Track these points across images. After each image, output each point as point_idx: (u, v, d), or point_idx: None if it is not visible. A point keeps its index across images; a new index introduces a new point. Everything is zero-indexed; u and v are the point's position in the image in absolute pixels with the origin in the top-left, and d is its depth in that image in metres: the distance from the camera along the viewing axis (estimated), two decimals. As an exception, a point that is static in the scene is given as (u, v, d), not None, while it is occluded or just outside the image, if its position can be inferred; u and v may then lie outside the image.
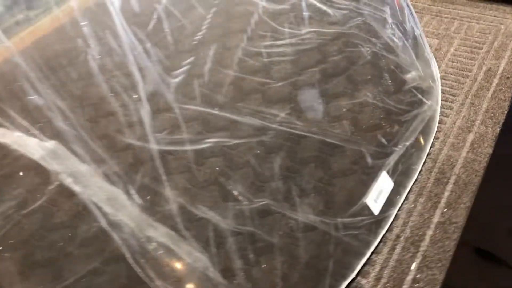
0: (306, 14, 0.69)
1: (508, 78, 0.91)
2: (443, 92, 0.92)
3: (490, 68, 0.94)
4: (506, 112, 0.85)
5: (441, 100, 0.90)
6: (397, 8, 0.86)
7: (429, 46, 1.02)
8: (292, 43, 0.66)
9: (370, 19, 0.78)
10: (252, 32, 0.62)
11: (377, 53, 0.77)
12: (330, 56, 0.69)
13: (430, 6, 1.15)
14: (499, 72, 0.93)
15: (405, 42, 0.85)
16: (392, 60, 0.79)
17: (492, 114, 0.85)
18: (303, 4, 0.69)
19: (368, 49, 0.76)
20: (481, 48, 1.00)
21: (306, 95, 0.65)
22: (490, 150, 0.79)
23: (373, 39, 0.77)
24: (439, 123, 0.86)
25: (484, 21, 1.08)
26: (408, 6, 0.92)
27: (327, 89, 0.67)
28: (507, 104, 0.86)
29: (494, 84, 0.91)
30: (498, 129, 0.82)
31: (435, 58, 0.99)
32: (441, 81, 0.94)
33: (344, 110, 0.69)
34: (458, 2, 1.15)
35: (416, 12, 1.11)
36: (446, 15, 1.11)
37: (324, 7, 0.72)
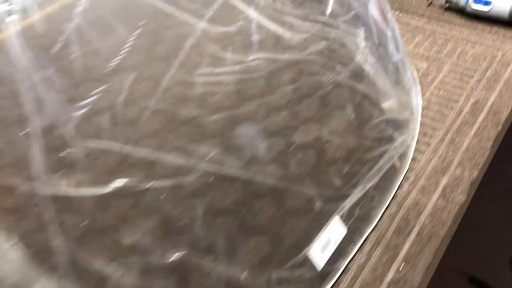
0: (255, 38, 0.61)
1: (495, 114, 0.82)
2: (422, 124, 0.83)
3: (478, 100, 0.86)
4: (487, 153, 0.76)
5: (419, 133, 0.81)
6: (375, 30, 0.78)
7: (417, 70, 0.94)
8: (234, 71, 0.58)
9: (337, 44, 0.70)
10: (186, 58, 0.55)
11: (341, 83, 0.69)
12: (280, 87, 0.62)
13: (425, 24, 1.06)
14: (487, 105, 0.84)
15: (380, 68, 0.77)
16: (359, 90, 0.71)
17: (472, 155, 0.76)
18: (253, 26, 0.61)
19: (330, 77, 0.68)
20: (472, 76, 0.91)
21: (245, 131, 0.58)
22: (463, 198, 0.70)
23: (338, 66, 0.69)
24: (412, 160, 0.77)
25: (480, 45, 0.98)
26: (391, 27, 0.84)
27: (271, 124, 0.60)
28: (490, 144, 0.77)
29: (479, 120, 0.82)
30: (476, 173, 0.73)
31: (421, 85, 0.91)
32: (422, 111, 0.85)
33: (292, 147, 0.61)
34: (456, 22, 1.06)
35: (408, 31, 1.02)
36: (440, 36, 1.02)
37: (280, 30, 0.64)
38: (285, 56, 0.64)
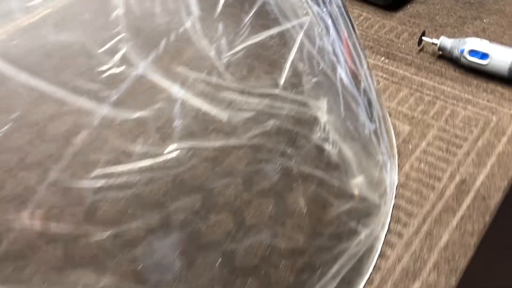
0: (178, 123, 0.49)
1: (484, 199, 0.70)
2: (396, 207, 0.71)
3: (465, 179, 0.73)
4: (469, 254, 0.63)
5: (391, 220, 0.69)
6: (342, 98, 0.66)
7: (397, 135, 0.81)
8: (144, 168, 0.46)
9: (289, 122, 0.58)
10: (74, 157, 0.43)
11: (291, 171, 0.57)
12: (206, 183, 0.50)
13: (412, 75, 0.94)
14: (475, 187, 0.72)
15: (346, 146, 0.64)
16: (315, 178, 0.59)
17: (450, 256, 0.64)
18: (176, 108, 0.49)
19: (278, 165, 0.55)
20: (460, 147, 0.78)
21: (151, 248, 0.46)
22: (434, 317, 0.58)
23: (289, 150, 0.57)
24: (379, 256, 0.65)
25: (473, 106, 0.86)
26: (366, 90, 0.72)
27: (192, 236, 0.48)
28: (474, 241, 0.65)
29: (464, 206, 0.69)
30: (454, 281, 0.61)
31: (399, 155, 0.78)
32: (398, 191, 0.73)
33: (218, 263, 0.49)
34: (448, 74, 0.93)
35: (393, 82, 0.90)
36: (428, 91, 0.90)
37: (214, 110, 0.52)
38: (218, 143, 0.52)
